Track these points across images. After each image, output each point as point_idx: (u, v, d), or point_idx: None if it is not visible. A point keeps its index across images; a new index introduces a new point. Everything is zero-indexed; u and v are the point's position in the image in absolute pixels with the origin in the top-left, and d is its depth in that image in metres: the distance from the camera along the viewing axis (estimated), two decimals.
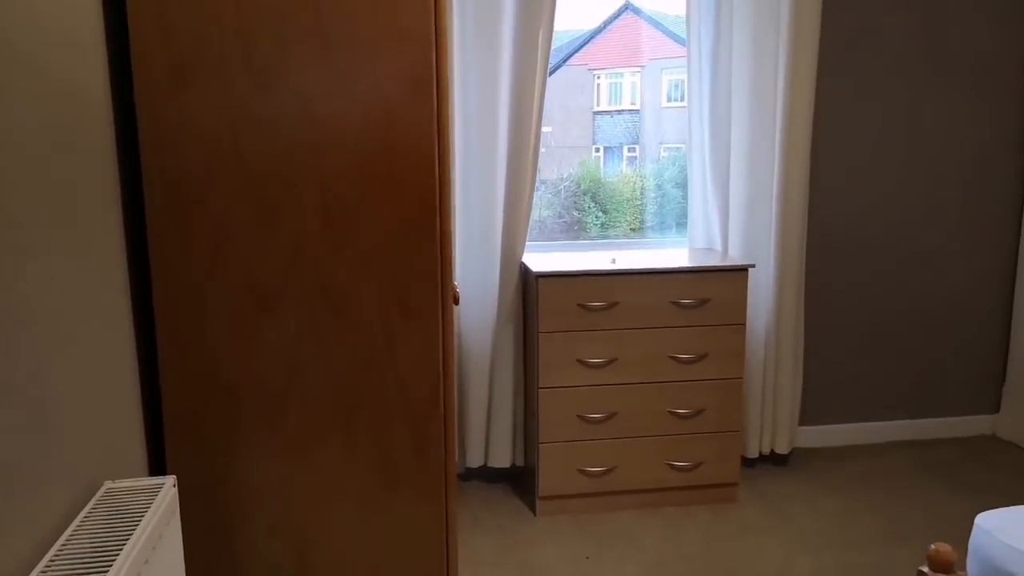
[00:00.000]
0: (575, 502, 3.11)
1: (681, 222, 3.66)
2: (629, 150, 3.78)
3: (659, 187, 3.70)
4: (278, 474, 1.92)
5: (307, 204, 1.83)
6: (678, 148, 3.70)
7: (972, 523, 2.05)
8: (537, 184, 3.23)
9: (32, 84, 1.30)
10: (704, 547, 2.87)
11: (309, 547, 1.97)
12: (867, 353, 3.72)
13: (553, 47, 3.13)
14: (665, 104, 3.69)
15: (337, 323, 1.88)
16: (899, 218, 3.64)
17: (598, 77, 3.74)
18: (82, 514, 1.37)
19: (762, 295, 3.37)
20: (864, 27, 3.46)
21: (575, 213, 3.69)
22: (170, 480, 1.52)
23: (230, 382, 1.87)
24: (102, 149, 1.63)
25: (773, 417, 3.48)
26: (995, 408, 3.88)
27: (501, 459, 3.32)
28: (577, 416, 3.03)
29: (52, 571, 1.19)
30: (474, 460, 3.32)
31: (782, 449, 3.50)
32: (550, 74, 3.17)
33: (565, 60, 3.66)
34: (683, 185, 3.63)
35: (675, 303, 3.02)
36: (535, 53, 3.03)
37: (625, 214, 3.70)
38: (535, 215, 3.25)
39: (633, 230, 3.70)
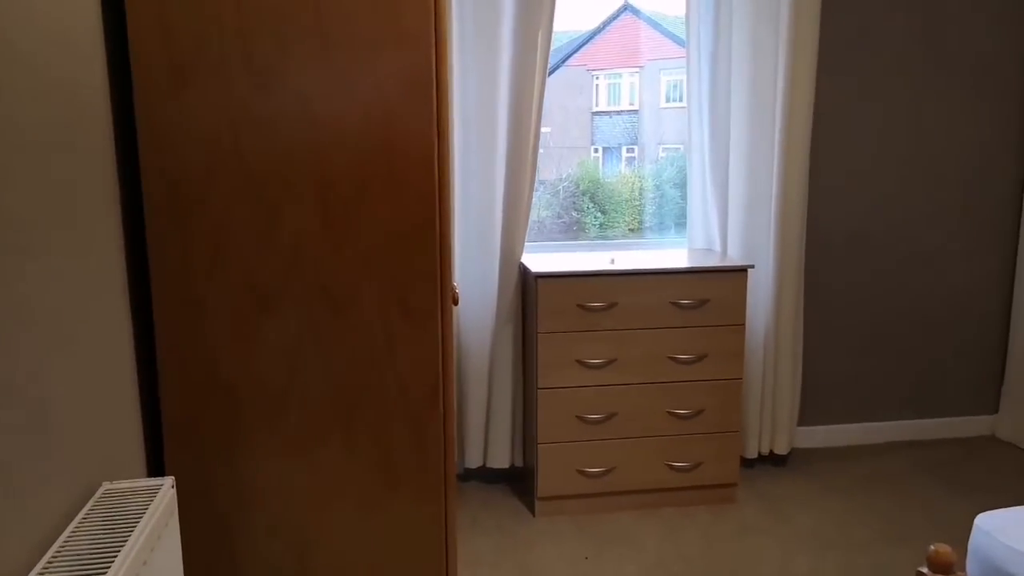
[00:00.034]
0: (574, 503, 3.11)
1: (680, 222, 3.66)
2: (628, 150, 3.78)
3: (658, 187, 3.70)
4: (278, 474, 1.92)
5: (307, 204, 1.83)
6: (676, 148, 3.70)
7: (971, 524, 2.05)
8: (536, 184, 3.23)
9: (31, 83, 1.30)
10: (703, 548, 2.87)
11: (309, 547, 1.97)
12: (866, 353, 3.72)
13: (552, 47, 3.13)
14: (664, 104, 3.69)
15: (337, 323, 1.88)
16: (899, 218, 3.65)
17: (597, 78, 3.74)
18: (80, 515, 1.36)
19: (761, 295, 3.37)
20: (864, 27, 3.46)
21: (574, 213, 3.69)
22: (168, 481, 1.52)
23: (230, 382, 1.86)
24: (101, 149, 1.62)
25: (772, 417, 3.48)
26: (994, 409, 3.88)
27: (500, 460, 3.32)
28: (576, 417, 3.03)
29: (50, 572, 1.19)
30: (473, 461, 3.31)
31: (781, 449, 3.50)
32: (549, 74, 3.17)
33: (564, 61, 3.66)
34: (682, 185, 3.63)
35: (674, 303, 3.02)
36: (534, 53, 3.03)
37: (624, 214, 3.70)
38: (534, 215, 3.25)
39: (632, 230, 3.70)
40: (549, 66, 3.15)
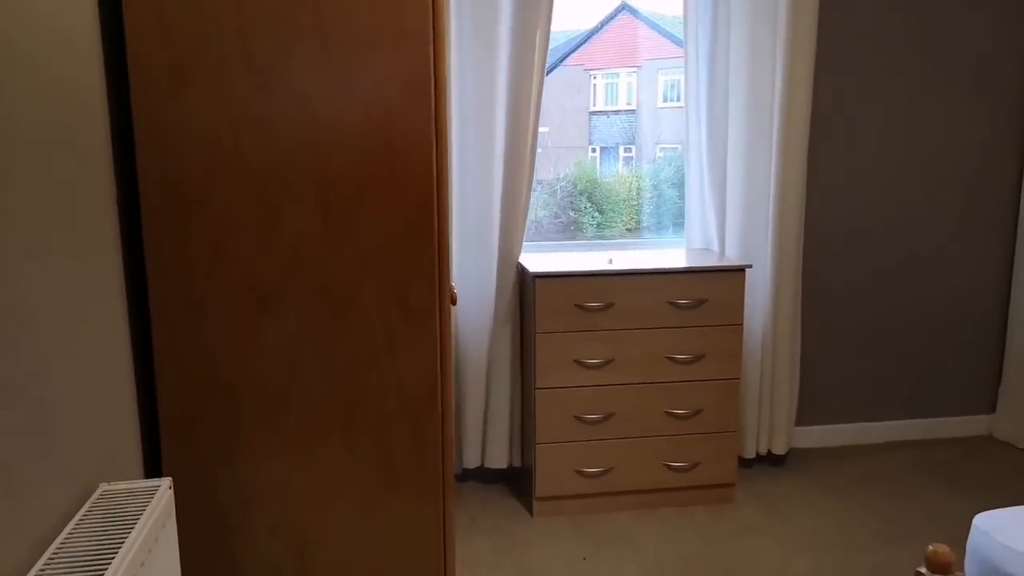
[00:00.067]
0: (572, 503, 3.10)
1: (677, 222, 3.66)
2: (625, 150, 3.78)
3: (655, 187, 3.70)
4: (277, 474, 1.92)
5: (307, 204, 1.82)
6: (674, 148, 3.70)
7: (970, 523, 2.05)
8: (534, 184, 3.23)
9: (28, 83, 1.29)
10: (702, 548, 2.87)
11: (308, 547, 1.96)
12: (864, 353, 3.73)
13: (549, 47, 3.12)
14: (661, 104, 3.69)
15: (336, 323, 1.87)
16: (897, 218, 3.65)
17: (594, 77, 3.74)
18: (77, 517, 1.36)
19: (759, 296, 3.37)
20: (862, 27, 3.46)
21: (571, 213, 3.68)
22: (166, 482, 1.51)
23: (229, 382, 1.86)
24: (98, 149, 1.61)
25: (770, 417, 3.48)
26: (991, 408, 3.89)
27: (498, 460, 3.31)
28: (574, 417, 3.03)
29: (47, 574, 1.18)
30: (471, 461, 3.31)
31: (779, 449, 3.50)
32: (546, 74, 3.16)
33: (561, 60, 3.65)
34: (679, 185, 3.63)
35: (672, 303, 3.02)
36: (532, 52, 3.02)
37: (621, 214, 3.70)
38: (531, 215, 3.25)
39: (629, 230, 3.70)
40: (546, 65, 3.14)
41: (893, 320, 3.72)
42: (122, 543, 1.27)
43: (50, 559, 1.22)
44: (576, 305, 2.97)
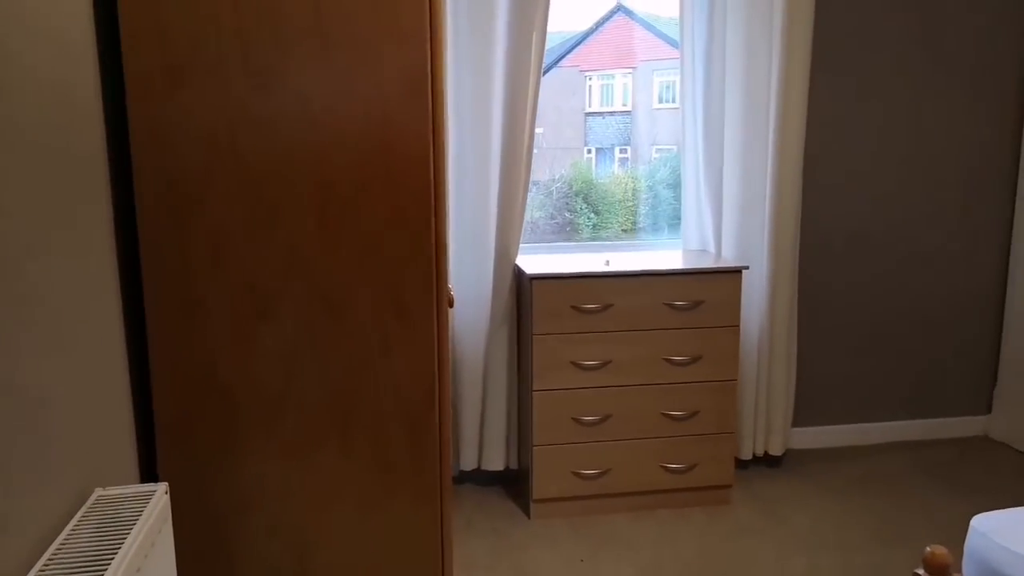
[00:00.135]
0: (569, 505, 3.10)
1: (672, 223, 3.66)
2: (621, 151, 3.77)
3: (651, 188, 3.70)
4: (275, 477, 1.91)
5: (304, 205, 1.82)
6: (669, 149, 3.70)
7: (967, 524, 2.05)
8: (529, 185, 3.22)
9: (21, 83, 1.28)
10: (699, 549, 2.86)
11: (307, 550, 1.95)
12: (860, 354, 3.73)
13: (545, 48, 3.12)
14: (656, 105, 3.69)
15: (334, 326, 1.87)
16: (894, 219, 3.65)
17: (590, 78, 3.73)
18: (72, 522, 1.35)
19: (756, 297, 3.37)
20: (859, 27, 3.46)
21: (567, 214, 3.68)
22: (162, 487, 1.50)
23: (225, 385, 1.85)
24: (93, 149, 1.60)
25: (767, 418, 3.48)
26: (987, 409, 3.89)
27: (495, 462, 3.30)
28: (571, 418, 3.02)
29: None
30: (468, 463, 3.30)
31: (776, 451, 3.50)
32: (542, 75, 3.16)
33: (557, 61, 3.65)
34: (675, 186, 3.63)
35: (669, 305, 3.02)
36: (528, 53, 3.02)
37: (617, 215, 3.69)
38: (527, 216, 3.24)
39: (625, 231, 3.69)
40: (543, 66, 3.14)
41: (890, 321, 3.73)
42: (118, 549, 1.26)
43: (45, 565, 1.21)
44: (573, 307, 2.96)
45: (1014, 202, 3.73)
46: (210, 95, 1.74)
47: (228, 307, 1.82)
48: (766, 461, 3.56)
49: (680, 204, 3.54)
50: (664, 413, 3.08)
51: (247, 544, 1.93)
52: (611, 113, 3.75)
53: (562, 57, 3.68)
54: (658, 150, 3.73)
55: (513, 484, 3.36)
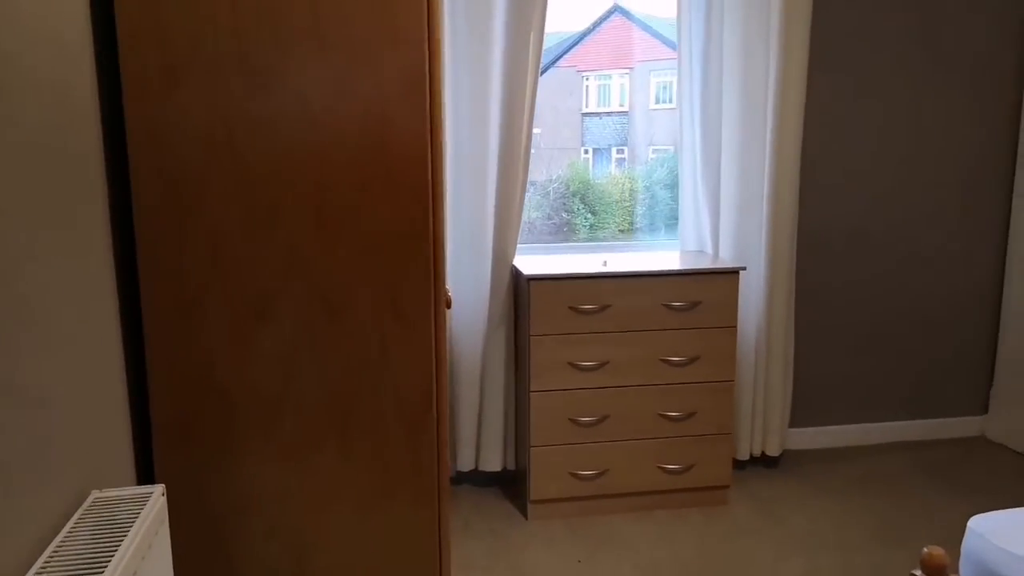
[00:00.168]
0: (567, 505, 3.09)
1: (669, 224, 3.66)
2: (618, 151, 3.77)
3: (648, 188, 3.70)
4: (273, 480, 1.90)
5: (302, 206, 1.81)
6: (666, 150, 3.70)
7: (964, 525, 2.05)
8: (527, 186, 3.22)
9: (16, 83, 1.28)
10: (697, 550, 2.86)
11: (305, 552, 1.95)
12: (857, 355, 3.73)
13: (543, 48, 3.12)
14: (653, 106, 3.69)
15: (332, 327, 1.86)
16: (892, 219, 3.66)
17: (587, 79, 3.73)
18: (69, 524, 1.34)
19: (753, 298, 3.37)
20: (856, 27, 3.47)
21: (564, 215, 3.68)
22: (159, 489, 1.50)
23: (223, 387, 1.84)
24: (90, 150, 1.60)
25: (764, 419, 3.48)
26: (984, 410, 3.90)
27: (492, 463, 3.30)
28: (568, 419, 3.02)
29: None
30: (465, 464, 3.30)
31: (773, 451, 3.50)
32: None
33: (554, 62, 3.65)
34: (672, 186, 3.63)
35: (666, 306, 3.02)
36: (526, 53, 3.01)
37: (614, 216, 3.69)
38: (524, 217, 3.24)
39: (622, 231, 3.69)
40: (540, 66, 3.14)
41: (887, 321, 3.73)
42: (115, 551, 1.25)
43: (41, 568, 1.20)
44: (570, 307, 2.96)
45: (1011, 202, 3.74)
46: (208, 95, 1.73)
47: (226, 308, 1.81)
48: (763, 462, 3.56)
49: (677, 204, 3.54)
50: (661, 414, 3.08)
51: (245, 546, 1.92)
52: (608, 113, 3.75)
53: (559, 57, 3.68)
54: (655, 150, 3.73)
55: (510, 485, 3.36)
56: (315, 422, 1.89)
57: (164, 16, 1.69)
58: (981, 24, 3.57)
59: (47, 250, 1.36)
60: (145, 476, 1.87)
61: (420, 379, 1.92)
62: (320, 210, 1.82)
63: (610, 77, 3.74)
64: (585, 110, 3.74)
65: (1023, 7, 3.60)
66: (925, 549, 1.99)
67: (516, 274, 3.16)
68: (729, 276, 3.05)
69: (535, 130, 3.22)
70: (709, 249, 3.39)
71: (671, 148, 3.65)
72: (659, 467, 3.11)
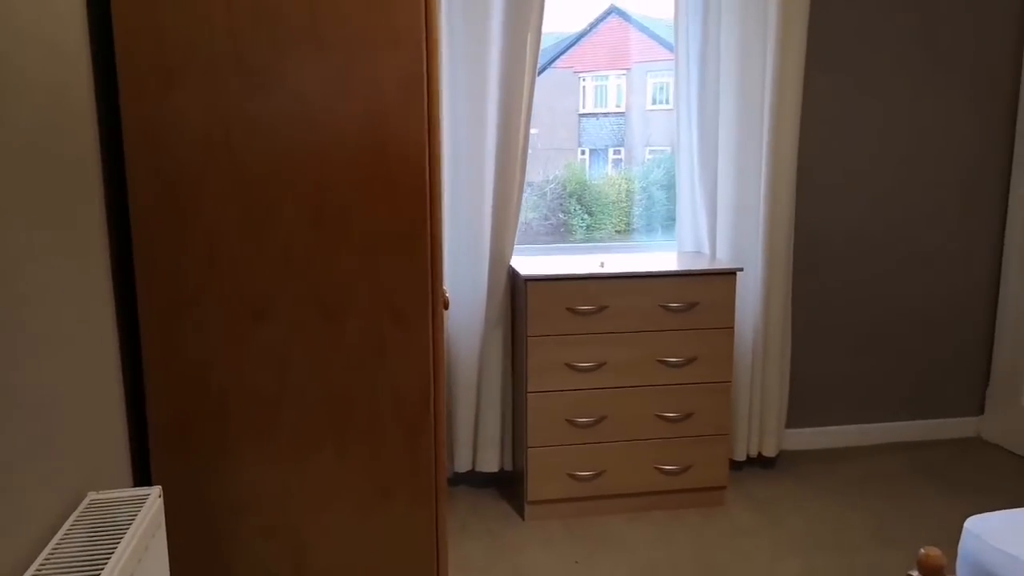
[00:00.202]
0: (564, 506, 3.09)
1: (666, 224, 3.66)
2: (614, 152, 3.78)
3: (644, 189, 3.70)
4: (270, 481, 1.90)
5: (299, 207, 1.81)
6: (663, 151, 3.70)
7: (961, 526, 2.05)
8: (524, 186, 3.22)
9: (12, 85, 1.27)
10: (694, 550, 2.86)
11: (302, 553, 1.94)
12: (853, 355, 3.74)
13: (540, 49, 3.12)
14: (650, 107, 3.69)
15: (329, 328, 1.86)
16: (889, 220, 3.66)
17: (583, 79, 3.73)
18: (65, 527, 1.34)
19: (750, 298, 3.37)
20: (855, 27, 3.47)
21: (561, 215, 3.68)
22: (155, 491, 1.49)
23: (220, 389, 1.84)
24: (86, 151, 1.59)
25: (760, 420, 3.48)
26: (979, 410, 3.90)
27: (489, 464, 3.30)
28: (566, 420, 3.02)
29: None
30: (462, 465, 3.29)
31: (769, 452, 3.50)
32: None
33: (551, 62, 3.65)
34: (668, 187, 3.63)
35: (664, 307, 3.02)
36: (523, 54, 3.01)
37: (611, 216, 3.69)
38: (520, 217, 3.24)
39: (619, 232, 3.69)
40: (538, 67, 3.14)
41: (884, 322, 3.74)
42: (111, 553, 1.25)
43: (38, 570, 1.20)
44: (568, 308, 2.96)
45: (1007, 204, 3.75)
46: (204, 96, 1.73)
47: (223, 309, 1.81)
48: (760, 462, 3.56)
49: (674, 205, 3.54)
50: (659, 415, 3.08)
51: (242, 547, 1.92)
52: (605, 114, 3.75)
53: (556, 58, 3.68)
54: (651, 151, 3.73)
55: (508, 486, 3.36)
56: (312, 423, 1.89)
57: (161, 17, 1.69)
58: (979, 24, 3.57)
59: (43, 251, 1.36)
60: (142, 477, 1.86)
61: (418, 380, 1.92)
62: (317, 210, 1.81)
63: (607, 78, 3.74)
64: (582, 111, 3.74)
65: (1020, 7, 3.61)
66: (922, 550, 2.00)
67: (513, 275, 3.16)
68: (726, 277, 3.05)
69: (532, 131, 3.22)
70: (706, 250, 3.39)
71: (668, 149, 3.66)
72: (656, 468, 3.11)
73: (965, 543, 2.01)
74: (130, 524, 1.35)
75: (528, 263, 3.14)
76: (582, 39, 3.68)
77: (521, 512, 3.12)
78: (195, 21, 1.70)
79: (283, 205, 1.80)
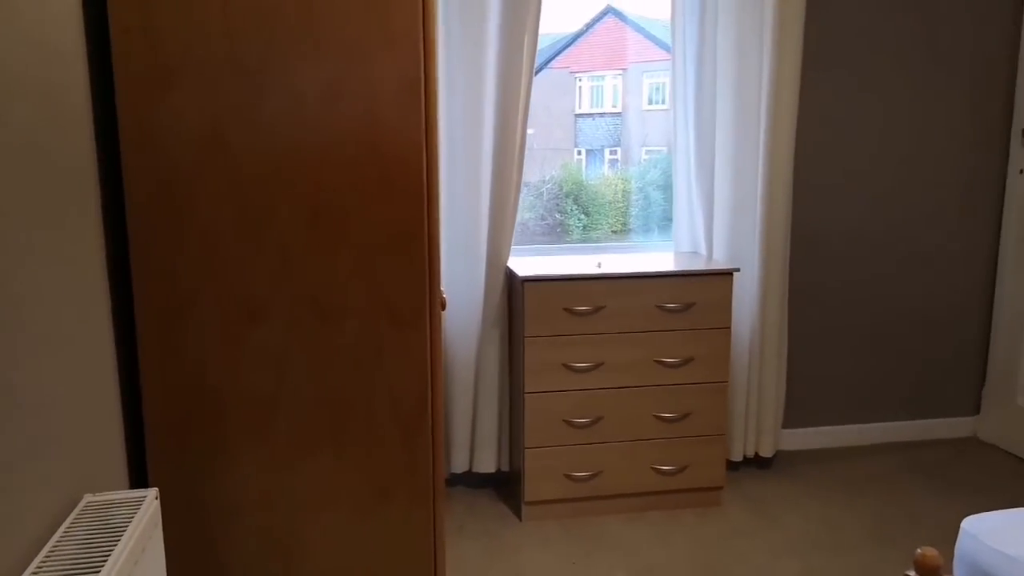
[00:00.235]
0: (561, 507, 3.09)
1: (663, 225, 3.67)
2: (611, 152, 3.78)
3: (641, 190, 3.70)
4: (267, 482, 1.90)
5: (296, 208, 1.81)
6: (659, 151, 3.70)
7: (957, 526, 2.05)
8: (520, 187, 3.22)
9: (8, 85, 1.27)
10: (691, 551, 2.86)
11: (300, 554, 1.94)
12: (850, 356, 3.74)
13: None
14: (646, 107, 3.69)
15: (325, 329, 1.85)
16: (887, 220, 3.66)
17: (580, 80, 3.73)
18: (62, 529, 1.33)
19: (747, 299, 3.38)
20: (853, 27, 3.47)
21: (557, 216, 3.68)
22: (152, 493, 1.49)
23: (216, 390, 1.84)
24: (82, 152, 1.59)
25: (757, 420, 3.48)
26: (976, 410, 3.91)
27: (486, 464, 3.30)
28: (563, 421, 3.02)
29: None
30: (459, 465, 3.29)
31: (766, 452, 3.51)
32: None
33: (547, 63, 3.65)
34: (665, 188, 3.63)
35: (661, 307, 3.02)
36: (520, 54, 3.01)
37: (607, 217, 3.69)
38: (517, 218, 3.24)
39: (615, 233, 3.70)
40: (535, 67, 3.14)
41: (880, 322, 3.74)
42: (108, 555, 1.25)
43: (34, 572, 1.20)
44: (565, 309, 2.96)
45: (1002, 205, 3.75)
46: (200, 97, 1.72)
47: (218, 309, 1.81)
48: (756, 462, 3.57)
49: (671, 206, 3.54)
50: (656, 415, 3.08)
51: (239, 549, 1.91)
52: (601, 114, 3.75)
53: (552, 58, 3.67)
54: (648, 152, 3.73)
55: (504, 486, 3.36)
56: (309, 424, 1.88)
57: (157, 18, 1.68)
58: (978, 24, 3.58)
59: (39, 251, 1.35)
60: (138, 479, 1.86)
61: (415, 381, 1.92)
62: (314, 211, 1.81)
63: (603, 78, 3.74)
64: (578, 111, 3.74)
65: (1019, 7, 3.61)
66: (918, 550, 2.00)
67: (510, 275, 3.16)
68: (723, 277, 3.06)
69: (528, 131, 3.22)
70: (703, 250, 3.39)
71: (664, 149, 3.66)
72: (653, 468, 3.11)
73: (962, 543, 2.02)
74: (127, 526, 1.35)
75: (525, 264, 3.14)
76: (578, 39, 3.68)
77: (518, 513, 3.12)
78: (191, 22, 1.69)
79: (280, 206, 1.80)
